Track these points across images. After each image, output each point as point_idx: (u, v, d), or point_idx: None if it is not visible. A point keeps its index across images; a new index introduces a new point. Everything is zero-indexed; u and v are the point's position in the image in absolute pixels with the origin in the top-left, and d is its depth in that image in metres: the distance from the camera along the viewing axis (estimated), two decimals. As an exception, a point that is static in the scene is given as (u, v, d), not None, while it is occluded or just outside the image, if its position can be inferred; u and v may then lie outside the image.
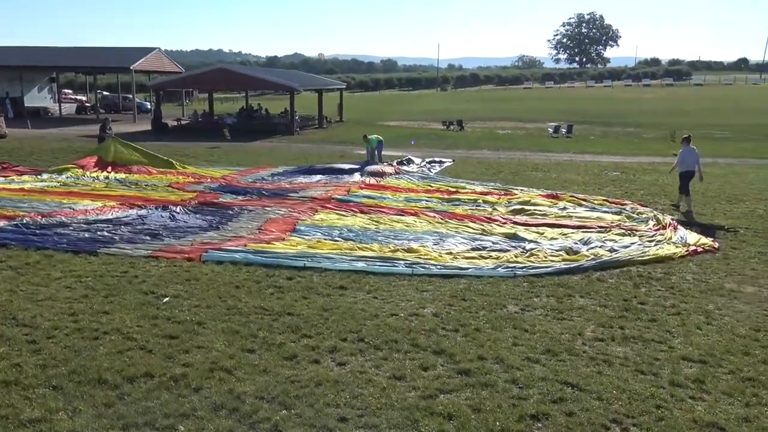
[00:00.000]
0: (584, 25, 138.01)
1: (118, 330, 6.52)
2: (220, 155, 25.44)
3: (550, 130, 42.41)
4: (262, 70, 50.22)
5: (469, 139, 37.30)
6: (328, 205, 14.69)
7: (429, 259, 9.90)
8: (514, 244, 11.20)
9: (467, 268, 9.46)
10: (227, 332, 6.54)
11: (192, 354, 6.03)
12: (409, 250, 10.32)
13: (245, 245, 10.17)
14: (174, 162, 20.32)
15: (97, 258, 9.25)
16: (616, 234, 12.24)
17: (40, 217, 11.59)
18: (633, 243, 11.42)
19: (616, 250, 10.88)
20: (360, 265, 9.36)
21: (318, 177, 19.63)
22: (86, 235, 10.54)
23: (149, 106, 49.57)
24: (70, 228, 10.96)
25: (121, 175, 18.16)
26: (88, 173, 18.12)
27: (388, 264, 9.49)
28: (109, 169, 18.68)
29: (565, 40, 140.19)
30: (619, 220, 13.76)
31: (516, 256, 10.27)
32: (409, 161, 24.08)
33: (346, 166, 21.66)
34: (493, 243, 11.31)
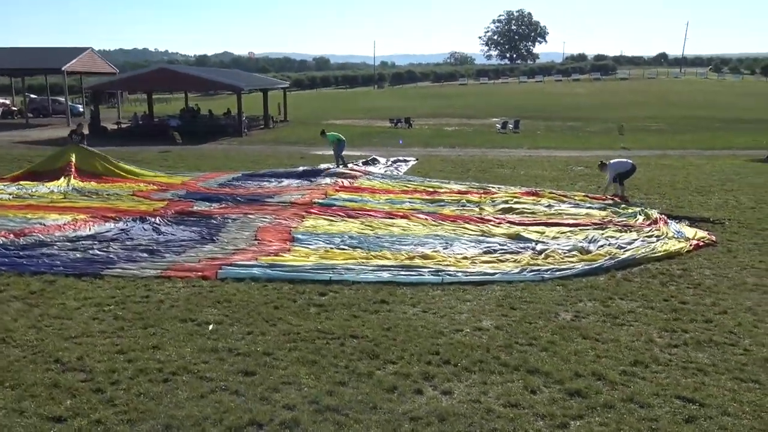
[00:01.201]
0: (513, 22, 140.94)
1: (185, 369, 5.86)
2: (175, 160, 24.29)
3: (498, 125, 42.90)
4: (206, 70, 48.61)
5: (420, 137, 37.22)
6: (312, 210, 14.14)
7: (449, 265, 9.57)
8: (522, 245, 11.01)
9: (493, 273, 9.18)
10: (304, 363, 5.98)
11: (284, 392, 5.50)
12: (425, 257, 9.96)
13: (256, 258, 9.53)
14: (142, 171, 19.23)
15: (104, 281, 8.41)
16: (613, 231, 12.24)
17: (11, 235, 10.55)
18: (636, 240, 11.43)
19: (624, 248, 10.84)
20: (385, 275, 8.92)
21: (289, 180, 18.99)
22: (77, 254, 9.62)
23: (81, 109, 47.13)
24: (55, 248, 9.99)
25: (79, 184, 16.94)
26: (41, 184, 16.81)
27: (413, 273, 9.09)
28: (63, 178, 17.39)
29: (495, 37, 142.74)
30: (608, 216, 13.82)
31: (534, 258, 10.07)
32: (375, 161, 23.72)
33: (311, 168, 21.17)
34: (501, 245, 11.08)
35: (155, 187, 17.45)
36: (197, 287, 8.20)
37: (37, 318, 7.05)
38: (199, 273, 8.82)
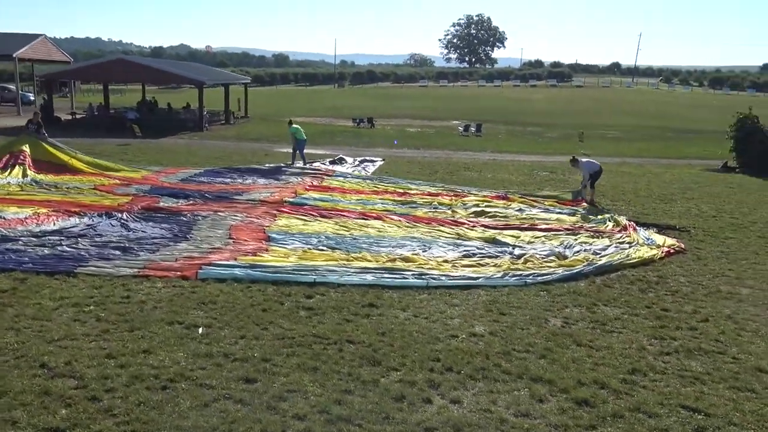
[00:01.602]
0: (473, 26, 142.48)
1: (183, 375, 5.58)
2: (135, 153, 23.60)
3: (461, 128, 43.23)
4: (167, 63, 47.39)
5: (384, 137, 37.18)
6: (283, 209, 13.90)
7: (431, 268, 9.51)
8: (499, 249, 11.04)
9: (477, 278, 9.15)
10: (305, 369, 5.78)
11: (292, 402, 5.29)
12: (406, 259, 9.87)
13: (235, 258, 9.26)
14: (103, 163, 18.57)
15: (79, 280, 8.01)
16: (586, 237, 12.40)
17: (-29, 229, 10.01)
18: (609, 246, 11.60)
19: (599, 254, 10.99)
20: (369, 278, 8.79)
21: (254, 178, 18.66)
22: (45, 251, 9.16)
23: (32, 98, 45.36)
24: (20, 243, 9.50)
25: (36, 176, 16.24)
26: (-6, 174, 16.04)
27: (397, 276, 8.98)
28: (17, 167, 16.62)
29: (455, 40, 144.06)
30: (579, 222, 14.02)
31: (512, 263, 10.10)
32: (342, 160, 23.54)
33: (276, 166, 20.95)
34: (478, 248, 11.09)
35: (117, 181, 16.90)
36: (178, 287, 7.91)
37: (13, 319, 6.65)
38: (179, 273, 8.51)
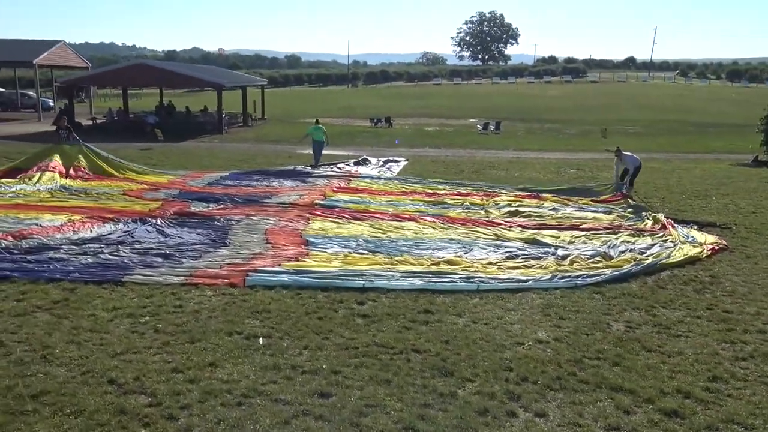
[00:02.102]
0: (486, 23, 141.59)
1: (256, 390, 5.39)
2: (159, 158, 23.57)
3: (480, 126, 42.90)
4: (185, 66, 47.49)
5: (403, 137, 36.98)
6: (315, 212, 13.75)
7: (477, 271, 9.29)
8: (542, 250, 10.79)
9: (526, 280, 8.92)
10: (379, 382, 5.55)
11: (373, 417, 5.07)
12: (451, 262, 9.66)
13: (279, 264, 9.09)
14: (133, 168, 18.61)
15: (127, 289, 7.87)
16: (627, 235, 12.12)
17: (10, 237, 9.91)
18: (653, 245, 11.31)
19: (644, 253, 10.72)
20: (418, 282, 8.60)
21: (280, 180, 18.55)
22: (89, 259, 9.04)
23: (51, 104, 45.63)
24: (62, 251, 9.40)
25: (66, 182, 16.22)
26: (24, 181, 16.03)
27: (445, 279, 8.78)
28: (47, 173, 16.63)
29: (468, 38, 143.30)
30: (616, 220, 13.74)
31: (558, 264, 9.86)
32: (366, 161, 23.35)
33: (300, 168, 20.89)
34: (520, 249, 10.85)
35: (145, 186, 16.85)
36: (228, 295, 7.75)
37: (71, 331, 6.50)
38: (226, 280, 8.35)
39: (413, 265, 9.48)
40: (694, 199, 16.84)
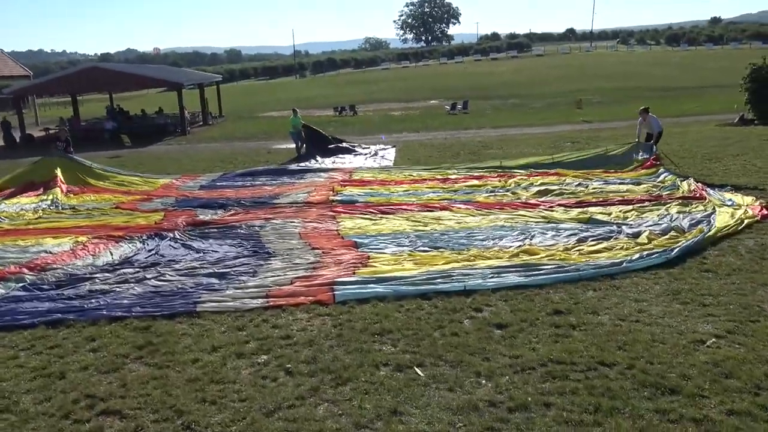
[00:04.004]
0: (427, 4, 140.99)
1: None
2: (134, 164, 21.97)
3: (447, 107, 42.34)
4: (140, 68, 45.17)
5: (375, 124, 36.07)
6: (338, 210, 12.78)
7: (561, 259, 8.52)
8: (607, 229, 10.13)
9: (620, 263, 8.21)
10: (609, 412, 4.65)
11: None
12: (528, 252, 8.87)
13: (353, 273, 8.11)
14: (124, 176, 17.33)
15: (207, 320, 6.73)
16: (678, 205, 11.62)
17: (26, 270, 8.61)
18: (711, 213, 10.83)
19: (706, 221, 10.23)
20: (516, 278, 7.77)
21: (278, 178, 17.45)
22: (136, 288, 7.84)
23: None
24: (98, 281, 8.17)
25: (47, 198, 14.72)
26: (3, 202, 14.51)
27: (541, 272, 7.97)
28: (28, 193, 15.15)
29: (410, 20, 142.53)
30: (649, 190, 13.23)
31: (638, 243, 9.19)
32: (350, 150, 22.36)
33: (292, 165, 19.94)
34: (582, 230, 10.17)
35: (138, 196, 15.51)
36: (325, 316, 6.75)
37: (189, 386, 5.36)
38: (311, 297, 7.33)
39: (490, 259, 8.64)
40: (708, 162, 16.54)
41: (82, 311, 7.08)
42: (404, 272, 8.04)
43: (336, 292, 7.41)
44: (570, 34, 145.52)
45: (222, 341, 6.19)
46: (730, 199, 11.92)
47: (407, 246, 9.55)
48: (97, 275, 8.45)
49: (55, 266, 8.78)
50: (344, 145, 23.08)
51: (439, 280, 7.72)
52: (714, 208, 11.15)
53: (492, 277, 7.80)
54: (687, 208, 11.29)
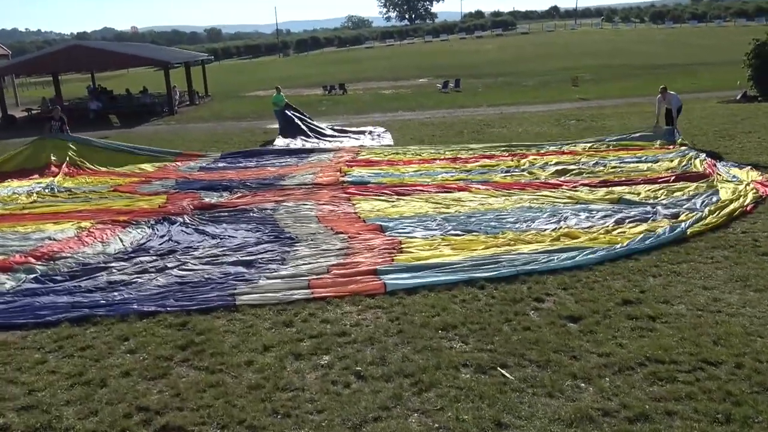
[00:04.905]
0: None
1: None
2: (125, 146, 21.14)
3: (439, 85, 41.67)
4: (125, 46, 43.76)
5: (367, 102, 35.33)
6: (351, 191, 12.24)
7: (603, 243, 8.09)
8: (641, 209, 9.73)
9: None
10: (709, 419, 4.23)
11: None
12: (569, 235, 8.42)
13: (391, 260, 7.59)
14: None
15: (248, 315, 6.15)
16: (706, 183, 11.28)
17: (32, 259, 7.97)
18: (712, 191, 10.67)
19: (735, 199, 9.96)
20: (568, 262, 7.32)
21: (279, 159, 16.84)
22: (160, 279, 7.25)
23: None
24: (115, 271, 7.55)
25: (43, 181, 14.01)
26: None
27: (596, 255, 7.53)
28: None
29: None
30: (672, 167, 12.87)
31: (677, 221, 8.83)
32: (344, 131, 21.70)
33: (295, 145, 19.32)
34: (615, 211, 9.76)
35: (135, 179, 14.83)
36: (375, 308, 6.22)
37: (252, 394, 4.73)
38: (361, 288, 6.77)
39: (531, 243, 8.17)
40: (722, 139, 16.22)
41: (111, 306, 6.48)
42: (446, 258, 7.55)
43: (385, 282, 6.89)
44: (554, 12, 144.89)
45: (272, 339, 5.64)
46: (734, 176, 11.74)
47: (436, 230, 9.06)
48: (113, 264, 7.85)
49: (64, 255, 8.16)
50: (328, 132, 21.99)
51: (486, 266, 7.24)
52: (717, 186, 10.96)
53: (546, 262, 7.33)
54: (715, 186, 10.97)
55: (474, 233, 8.77)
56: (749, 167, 12.33)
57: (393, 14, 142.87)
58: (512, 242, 8.20)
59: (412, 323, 5.85)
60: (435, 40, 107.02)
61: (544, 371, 4.88)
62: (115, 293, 6.85)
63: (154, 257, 8.10)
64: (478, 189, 11.90)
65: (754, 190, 10.39)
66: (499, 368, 4.96)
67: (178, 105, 34.78)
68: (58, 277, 7.45)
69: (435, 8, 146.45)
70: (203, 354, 5.46)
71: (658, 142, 15.28)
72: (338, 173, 14.20)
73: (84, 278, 7.39)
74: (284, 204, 11.39)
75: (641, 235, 8.13)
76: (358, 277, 7.08)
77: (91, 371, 5.26)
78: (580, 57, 64.47)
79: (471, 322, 5.83)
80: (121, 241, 8.93)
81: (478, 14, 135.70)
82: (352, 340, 5.59)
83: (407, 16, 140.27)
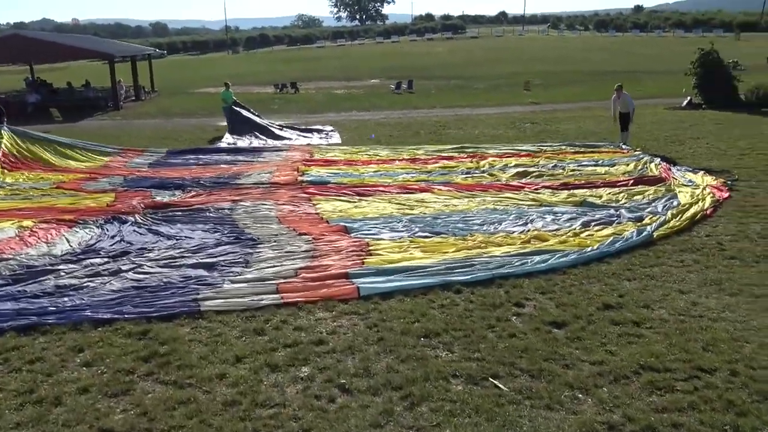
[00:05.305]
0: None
1: None
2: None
3: (392, 86, 41.53)
4: (68, 37, 41.89)
5: (319, 102, 34.86)
6: (311, 191, 11.91)
7: (574, 246, 8.01)
8: (605, 212, 9.74)
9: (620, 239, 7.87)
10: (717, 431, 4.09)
11: None
12: (539, 238, 8.32)
13: (362, 263, 7.28)
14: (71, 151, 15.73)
15: (213, 322, 5.71)
16: (664, 187, 11.44)
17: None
18: (670, 194, 10.84)
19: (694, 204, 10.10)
20: (542, 266, 7.18)
21: (232, 156, 16.32)
22: (114, 283, 6.71)
23: None
24: (63, 274, 7.00)
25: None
26: None
27: (568, 259, 7.41)
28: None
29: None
30: (628, 171, 13.02)
31: (641, 224, 8.85)
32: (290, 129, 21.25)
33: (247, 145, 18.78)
34: (579, 214, 9.74)
35: (80, 175, 14.08)
36: (351, 314, 5.89)
37: (234, 413, 4.27)
38: (333, 292, 6.43)
39: (502, 245, 8.03)
40: (672, 144, 16.57)
41: (61, 313, 5.97)
42: (418, 261, 7.32)
43: (359, 286, 6.59)
44: (502, 17, 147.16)
45: (244, 349, 5.26)
46: (690, 180, 11.97)
47: (403, 231, 8.83)
48: (61, 267, 7.30)
49: (5, 256, 7.56)
50: (277, 130, 21.46)
51: (461, 270, 7.05)
52: (675, 190, 11.14)
53: (518, 265, 7.19)
54: (673, 189, 11.12)
55: (442, 235, 8.58)
56: (702, 172, 12.58)
57: (344, 14, 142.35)
58: (483, 245, 8.05)
59: (392, 330, 5.59)
60: (386, 41, 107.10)
61: (538, 381, 4.71)
62: (65, 299, 6.33)
63: (106, 259, 7.59)
64: (441, 190, 11.75)
65: (711, 194, 10.56)
66: (491, 379, 4.75)
67: (123, 100, 33.57)
68: (0, 281, 6.87)
69: (386, 10, 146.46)
70: (169, 366, 5.02)
71: (611, 146, 15.55)
72: (296, 172, 13.84)
73: (29, 282, 6.83)
74: (242, 204, 10.98)
75: (610, 239, 8.13)
76: (329, 281, 6.77)
77: (43, 388, 4.74)
78: (529, 62, 65.41)
79: (453, 328, 5.61)
80: (68, 241, 8.37)
81: (429, 17, 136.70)
82: (330, 350, 5.28)
83: (358, 17, 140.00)
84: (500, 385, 4.69)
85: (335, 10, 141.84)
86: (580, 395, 4.59)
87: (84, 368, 5.05)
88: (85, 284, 6.78)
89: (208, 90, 45.30)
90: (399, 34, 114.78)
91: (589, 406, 4.46)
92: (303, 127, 22.01)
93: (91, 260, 7.56)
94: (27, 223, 9.48)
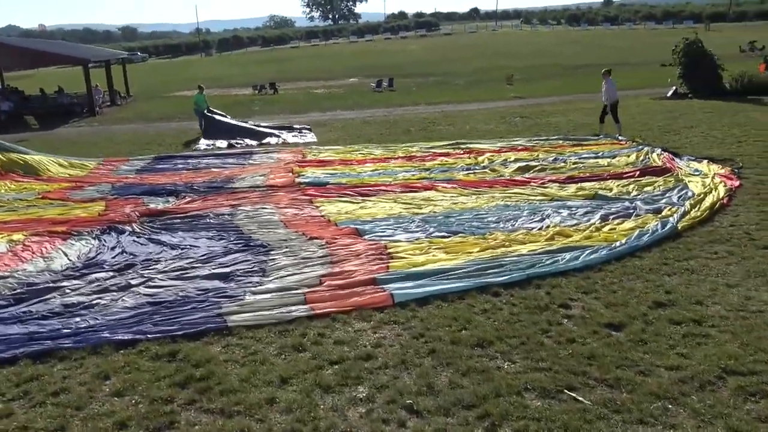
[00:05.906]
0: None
1: None
2: (46, 150, 19.43)
3: (373, 84, 41.15)
4: (40, 42, 40.77)
5: (301, 102, 34.34)
6: (311, 192, 11.53)
7: (600, 241, 7.74)
8: (621, 206, 9.51)
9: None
10: None
11: None
12: (562, 234, 8.02)
13: (386, 268, 6.90)
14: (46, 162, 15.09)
15: (246, 338, 5.24)
16: (671, 178, 11.26)
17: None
18: (681, 185, 10.67)
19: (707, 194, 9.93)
20: (576, 263, 6.88)
21: (220, 160, 15.86)
22: (126, 300, 6.21)
23: None
24: (69, 292, 6.51)
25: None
26: None
27: (589, 252, 7.13)
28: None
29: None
30: (632, 163, 12.84)
31: (660, 216, 8.63)
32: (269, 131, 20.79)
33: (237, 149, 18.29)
34: (595, 208, 9.49)
35: (65, 184, 13.51)
36: (390, 323, 5.50)
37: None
38: (366, 301, 6.04)
39: (526, 243, 7.72)
40: (667, 134, 16.46)
41: (77, 335, 5.49)
42: (445, 263, 6.97)
43: (392, 292, 6.21)
44: (474, 14, 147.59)
45: (288, 369, 4.83)
46: (696, 169, 11.81)
47: (418, 232, 8.48)
48: (64, 283, 6.81)
49: (0, 274, 7.04)
50: (251, 128, 21.01)
51: (492, 270, 6.72)
52: (684, 180, 10.97)
53: (550, 264, 6.89)
54: (682, 179, 10.94)
55: (460, 234, 8.25)
56: (707, 161, 12.43)
57: (316, 14, 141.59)
58: (507, 243, 7.73)
59: (441, 340, 5.22)
60: (360, 40, 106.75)
61: (618, 392, 4.38)
62: (77, 318, 5.86)
63: (111, 273, 7.12)
64: (445, 188, 11.43)
65: (723, 183, 10.39)
66: (566, 391, 4.42)
67: (99, 106, 32.73)
68: (1, 302, 6.37)
69: (358, 8, 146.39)
70: (210, 392, 4.56)
71: (608, 138, 15.41)
72: (291, 174, 13.42)
73: (33, 301, 6.34)
74: (241, 208, 10.55)
75: (636, 232, 7.87)
76: (358, 288, 6.40)
77: (74, 424, 4.20)
78: (504, 57, 65.45)
79: (506, 336, 5.26)
80: (66, 255, 7.86)
81: (402, 15, 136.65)
82: (381, 365, 4.88)
83: (330, 16, 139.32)
84: (579, 398, 4.35)
85: (307, 10, 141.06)
86: (670, 406, 4.26)
87: (116, 398, 4.53)
88: (94, 302, 6.31)
89: (184, 93, 44.46)
90: (373, 32, 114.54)
91: (684, 418, 4.13)
92: (277, 124, 21.83)
93: (96, 275, 7.08)
94: (17, 236, 8.94)
